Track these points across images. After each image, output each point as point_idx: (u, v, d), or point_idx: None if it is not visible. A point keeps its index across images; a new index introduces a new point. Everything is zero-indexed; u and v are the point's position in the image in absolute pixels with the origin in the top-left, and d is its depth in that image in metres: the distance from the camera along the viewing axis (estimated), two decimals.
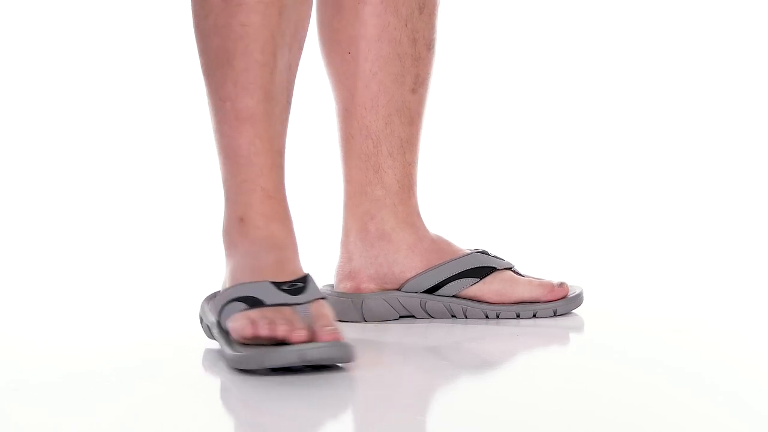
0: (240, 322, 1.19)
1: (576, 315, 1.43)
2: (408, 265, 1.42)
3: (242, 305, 1.20)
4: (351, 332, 1.32)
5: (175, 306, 1.56)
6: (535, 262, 1.77)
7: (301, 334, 1.15)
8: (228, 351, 1.18)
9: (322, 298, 1.22)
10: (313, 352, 1.14)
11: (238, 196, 1.31)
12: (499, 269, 1.41)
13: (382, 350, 1.32)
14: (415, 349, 1.32)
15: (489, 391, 1.15)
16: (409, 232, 1.42)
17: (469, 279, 1.39)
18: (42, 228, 2.31)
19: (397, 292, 1.42)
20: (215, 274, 1.41)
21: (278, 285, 1.21)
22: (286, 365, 1.14)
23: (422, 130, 1.45)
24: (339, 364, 1.17)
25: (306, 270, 1.26)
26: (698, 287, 1.67)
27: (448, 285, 1.38)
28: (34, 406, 1.10)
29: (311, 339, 1.16)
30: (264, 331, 1.16)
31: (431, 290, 1.41)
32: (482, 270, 1.40)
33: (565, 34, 2.65)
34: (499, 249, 1.47)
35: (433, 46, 1.43)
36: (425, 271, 1.40)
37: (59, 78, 2.61)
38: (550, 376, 1.19)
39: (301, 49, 1.34)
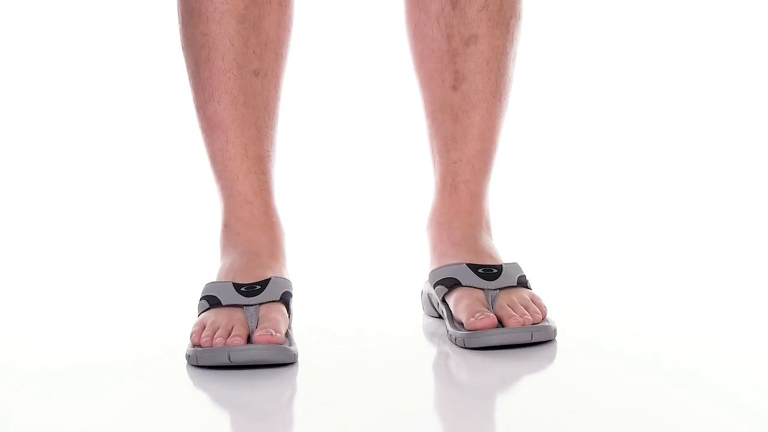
0: (194, 327, 1.27)
1: (574, 317, 1.43)
2: (431, 263, 1.42)
3: (206, 303, 1.29)
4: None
5: (174, 306, 1.56)
6: (532, 261, 1.77)
7: (235, 340, 1.22)
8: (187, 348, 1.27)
9: (275, 301, 1.28)
10: (239, 354, 1.20)
11: (222, 202, 1.39)
12: (463, 285, 1.33)
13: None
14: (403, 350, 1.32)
15: (485, 387, 1.16)
16: (435, 231, 1.41)
17: (442, 288, 1.36)
18: (41, 229, 2.31)
19: (429, 288, 1.41)
20: (210, 274, 1.41)
21: (238, 287, 1.29)
22: (216, 365, 1.21)
23: (476, 127, 1.39)
24: (285, 362, 1.21)
25: (278, 274, 1.32)
26: (698, 287, 1.67)
27: (435, 290, 1.37)
28: (34, 406, 1.10)
29: (249, 341, 1.23)
30: (205, 343, 1.23)
31: None
32: (449, 280, 1.34)
33: (564, 34, 2.65)
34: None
35: (475, 41, 1.36)
36: (430, 273, 1.40)
37: (59, 78, 2.61)
38: (548, 377, 1.19)
39: (279, 57, 1.38)
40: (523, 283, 1.33)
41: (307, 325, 1.39)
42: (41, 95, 2.60)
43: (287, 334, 1.25)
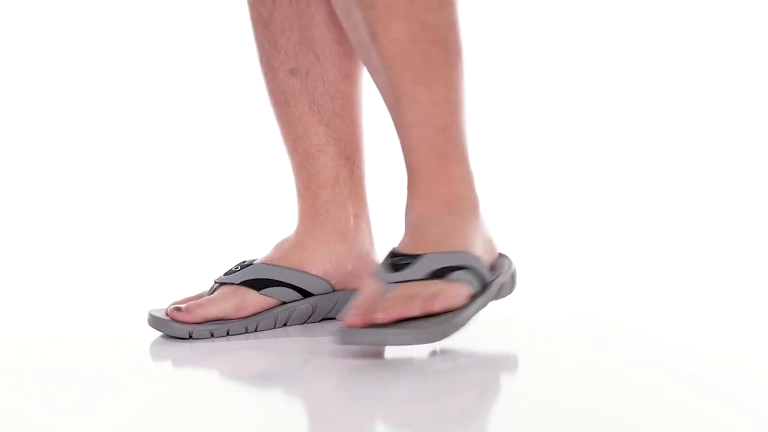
0: None
1: (572, 316, 1.43)
2: None
3: None
4: None
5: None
6: (532, 261, 1.77)
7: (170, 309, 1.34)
8: None
9: (232, 284, 1.35)
10: (149, 319, 1.34)
11: None
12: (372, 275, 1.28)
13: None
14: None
15: (486, 388, 1.16)
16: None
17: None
18: (41, 229, 2.31)
19: None
20: (212, 274, 1.42)
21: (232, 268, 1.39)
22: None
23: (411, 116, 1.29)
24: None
25: (276, 262, 1.37)
26: (697, 286, 1.67)
27: None
28: (34, 406, 1.10)
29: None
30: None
31: None
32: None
33: (563, 34, 2.65)
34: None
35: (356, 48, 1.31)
36: None
37: (60, 78, 2.61)
38: (546, 376, 1.19)
39: (321, 55, 1.40)
40: (440, 275, 1.21)
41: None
42: (42, 96, 2.61)
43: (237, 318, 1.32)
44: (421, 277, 1.19)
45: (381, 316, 1.15)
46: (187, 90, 2.60)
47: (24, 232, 2.29)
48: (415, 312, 1.17)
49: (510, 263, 1.31)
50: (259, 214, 2.23)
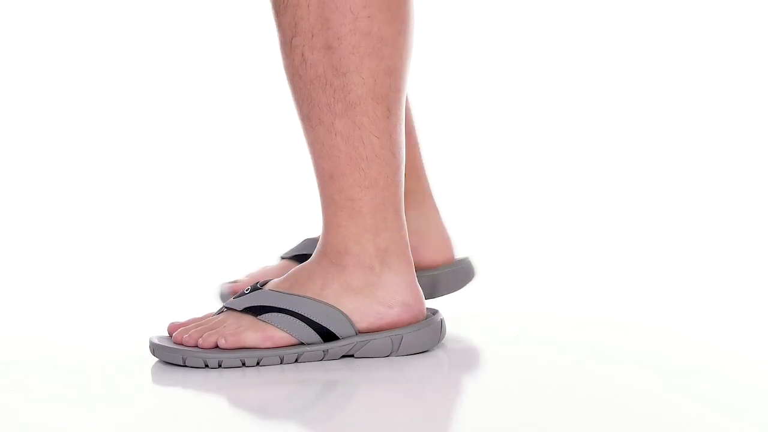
0: None
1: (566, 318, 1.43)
2: None
3: None
4: None
5: (178, 307, 1.56)
6: (525, 265, 1.77)
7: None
8: None
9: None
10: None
11: None
12: None
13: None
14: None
15: (481, 389, 1.16)
16: None
17: None
18: (43, 232, 2.32)
19: None
20: (212, 275, 1.42)
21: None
22: None
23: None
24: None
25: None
26: (695, 287, 1.67)
27: None
28: (34, 406, 1.10)
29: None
30: None
31: None
32: None
33: (563, 34, 2.65)
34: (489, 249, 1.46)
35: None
36: None
37: (63, 80, 2.62)
38: (540, 378, 1.20)
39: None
40: (254, 312, 1.24)
41: None
42: (44, 98, 2.61)
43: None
44: (239, 309, 1.24)
45: (185, 340, 1.23)
46: (187, 91, 2.60)
47: (26, 234, 2.29)
48: (205, 346, 1.22)
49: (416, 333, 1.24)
50: (267, 227, 2.23)
